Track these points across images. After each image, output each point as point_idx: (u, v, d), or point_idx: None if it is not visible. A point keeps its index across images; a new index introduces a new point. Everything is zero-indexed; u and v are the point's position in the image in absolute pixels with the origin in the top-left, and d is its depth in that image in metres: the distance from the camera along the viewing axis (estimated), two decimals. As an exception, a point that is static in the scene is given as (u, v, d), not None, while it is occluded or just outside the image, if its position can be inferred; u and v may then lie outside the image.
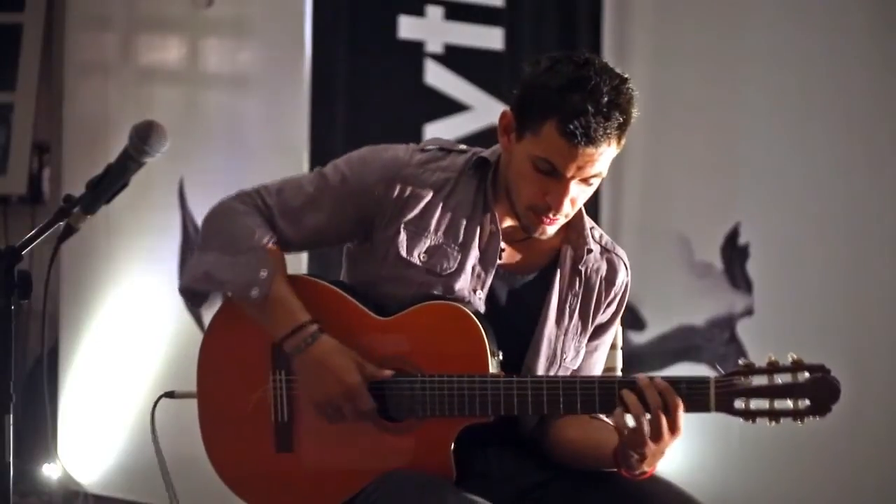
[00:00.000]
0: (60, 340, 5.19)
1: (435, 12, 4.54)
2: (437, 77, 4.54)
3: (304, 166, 4.33)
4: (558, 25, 4.74)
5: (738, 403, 2.24)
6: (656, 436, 2.23)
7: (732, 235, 4.61)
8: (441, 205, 2.42)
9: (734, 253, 4.62)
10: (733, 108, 4.62)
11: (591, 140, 2.26)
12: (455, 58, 4.55)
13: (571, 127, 2.25)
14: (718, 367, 2.34)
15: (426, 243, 2.42)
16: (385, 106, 4.55)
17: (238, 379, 2.46)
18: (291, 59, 4.46)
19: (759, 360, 2.26)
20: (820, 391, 2.21)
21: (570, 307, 2.47)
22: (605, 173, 2.34)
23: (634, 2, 4.77)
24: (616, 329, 2.59)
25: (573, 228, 2.47)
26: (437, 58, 4.54)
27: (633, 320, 4.58)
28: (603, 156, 2.30)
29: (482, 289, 2.42)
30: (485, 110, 4.49)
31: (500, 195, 2.44)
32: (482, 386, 2.32)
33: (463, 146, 2.50)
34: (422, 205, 2.42)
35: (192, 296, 2.47)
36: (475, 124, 4.51)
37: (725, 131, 4.65)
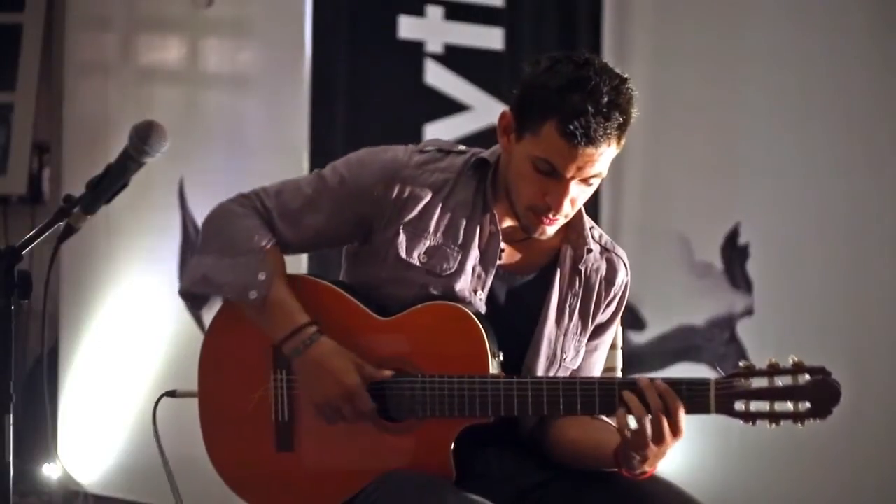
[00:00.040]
0: (60, 340, 5.19)
1: (435, 12, 4.54)
2: (437, 77, 4.54)
3: (304, 166, 4.33)
4: (558, 25, 4.74)
5: (739, 405, 2.23)
6: (658, 438, 2.23)
7: (732, 235, 4.61)
8: (440, 205, 2.42)
9: (734, 253, 4.62)
10: (733, 107, 4.62)
11: (591, 140, 2.26)
12: (455, 58, 4.55)
13: (571, 127, 2.25)
14: (719, 368, 2.34)
15: (425, 244, 2.42)
16: (385, 106, 4.55)
17: (239, 378, 2.46)
18: (291, 59, 4.46)
19: (760, 361, 2.25)
20: (820, 393, 2.21)
21: (569, 307, 2.47)
22: (605, 173, 2.34)
23: (634, 2, 4.77)
24: (616, 329, 2.59)
25: (573, 228, 2.47)
26: (437, 58, 4.54)
27: (633, 320, 4.58)
28: (603, 156, 2.30)
29: (483, 289, 2.42)
30: (485, 110, 4.49)
31: (499, 195, 2.43)
32: (482, 387, 2.32)
33: (462, 147, 2.50)
34: (421, 206, 2.41)
35: (192, 298, 2.47)
36: (475, 124, 4.51)
37: (725, 131, 4.65)
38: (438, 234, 2.42)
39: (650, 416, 2.23)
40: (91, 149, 4.97)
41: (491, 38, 4.60)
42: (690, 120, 4.69)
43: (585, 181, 2.33)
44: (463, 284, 2.40)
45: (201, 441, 2.49)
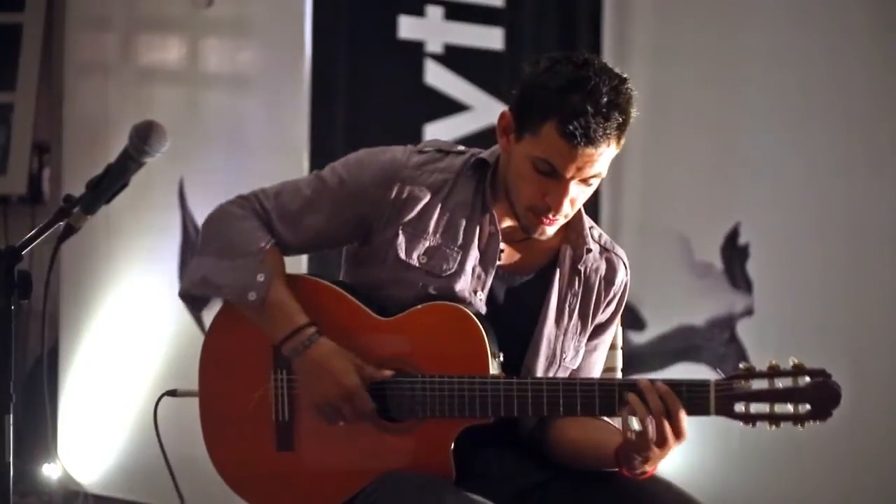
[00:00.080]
0: (60, 340, 5.19)
1: (435, 12, 4.54)
2: (437, 77, 4.54)
3: (304, 166, 4.33)
4: (558, 25, 4.74)
5: (738, 407, 2.23)
6: (661, 441, 2.23)
7: (732, 235, 4.61)
8: (439, 206, 2.42)
9: (734, 253, 4.62)
10: (733, 107, 4.62)
11: (591, 140, 2.26)
12: (455, 58, 4.55)
13: (571, 128, 2.25)
14: (719, 370, 2.34)
15: (425, 245, 2.42)
16: (385, 106, 4.55)
17: (239, 378, 2.46)
18: (291, 59, 4.46)
19: (760, 361, 2.25)
20: (821, 396, 2.21)
21: (569, 307, 2.47)
22: (604, 173, 2.34)
23: (634, 2, 4.77)
24: (615, 329, 2.59)
25: (572, 228, 2.47)
26: (437, 58, 4.54)
27: (633, 320, 4.58)
28: (602, 156, 2.30)
29: (482, 290, 2.42)
30: (485, 110, 4.49)
31: (498, 196, 2.43)
32: (482, 387, 2.32)
33: (461, 147, 2.50)
34: (420, 206, 2.41)
35: (192, 301, 2.48)
36: (475, 124, 4.51)
37: (725, 131, 4.64)
38: (438, 235, 2.42)
39: (653, 418, 2.23)
40: (91, 149, 4.97)
41: (491, 38, 4.60)
42: (690, 120, 4.69)
43: (585, 181, 2.33)
44: (463, 285, 2.40)
45: (201, 441, 2.50)
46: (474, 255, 2.42)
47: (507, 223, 2.44)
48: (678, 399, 2.24)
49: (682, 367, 4.59)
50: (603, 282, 2.50)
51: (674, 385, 2.25)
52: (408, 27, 4.52)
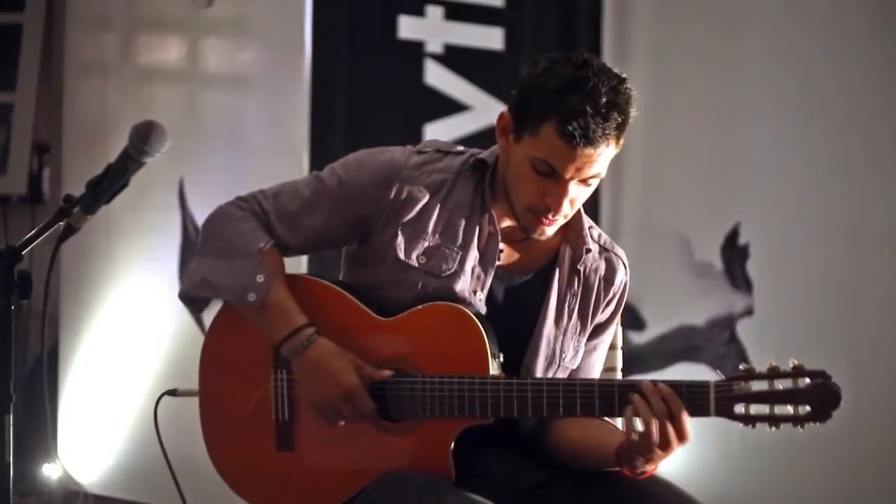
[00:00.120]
0: (60, 340, 5.19)
1: (435, 12, 4.54)
2: (437, 77, 4.55)
3: (304, 166, 4.33)
4: (558, 25, 4.74)
5: (738, 408, 2.23)
6: (664, 443, 2.23)
7: (732, 235, 4.61)
8: (438, 206, 2.42)
9: (734, 253, 4.62)
10: (733, 107, 4.62)
11: (590, 141, 2.26)
12: (455, 58, 4.55)
13: (570, 128, 2.24)
14: (719, 371, 2.34)
15: (424, 245, 2.42)
16: (385, 106, 4.55)
17: (239, 378, 2.46)
18: (291, 59, 4.46)
19: (760, 361, 2.25)
20: (820, 397, 2.20)
21: (568, 307, 2.47)
22: (604, 173, 2.34)
23: (634, 2, 4.77)
24: (615, 329, 2.59)
25: (572, 228, 2.47)
26: (437, 58, 4.54)
27: (633, 320, 4.58)
28: (602, 156, 2.30)
29: (482, 290, 2.42)
30: (485, 110, 4.49)
31: (498, 196, 2.43)
32: (482, 387, 2.32)
33: (460, 147, 2.50)
34: (419, 207, 2.41)
35: (192, 302, 2.47)
36: (475, 124, 4.51)
37: (725, 131, 4.65)
38: (437, 235, 2.42)
39: (656, 420, 2.23)
40: (91, 149, 4.97)
41: (491, 38, 4.60)
42: (690, 120, 4.69)
43: (584, 182, 2.33)
44: (462, 285, 2.40)
45: (201, 441, 2.50)
46: (473, 255, 2.42)
47: (507, 223, 2.44)
48: (681, 401, 2.23)
49: (682, 368, 4.59)
50: (602, 282, 2.50)
51: (674, 386, 2.25)
52: (408, 27, 4.52)
